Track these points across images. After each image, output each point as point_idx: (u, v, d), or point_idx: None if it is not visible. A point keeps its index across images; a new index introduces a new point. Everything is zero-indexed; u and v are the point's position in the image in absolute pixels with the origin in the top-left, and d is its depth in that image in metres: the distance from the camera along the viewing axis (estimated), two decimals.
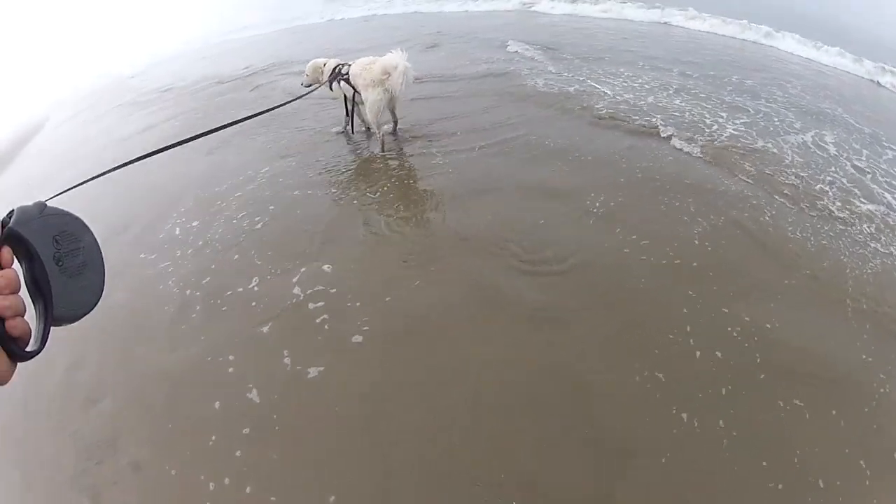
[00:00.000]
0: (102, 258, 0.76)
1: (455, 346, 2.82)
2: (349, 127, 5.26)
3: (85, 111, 7.58)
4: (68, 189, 0.88)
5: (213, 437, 2.53)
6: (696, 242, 3.57)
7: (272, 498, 2.26)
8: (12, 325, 0.65)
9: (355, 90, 4.79)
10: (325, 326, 3.00)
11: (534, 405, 2.51)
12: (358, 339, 2.89)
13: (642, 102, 5.72)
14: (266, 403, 2.64)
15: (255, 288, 3.31)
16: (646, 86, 6.23)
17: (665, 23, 10.09)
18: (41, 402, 2.86)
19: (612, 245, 3.50)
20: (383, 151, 4.84)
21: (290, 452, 2.42)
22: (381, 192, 4.19)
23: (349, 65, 4.83)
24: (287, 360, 2.83)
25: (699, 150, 4.77)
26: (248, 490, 2.29)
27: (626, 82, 6.31)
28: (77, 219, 0.75)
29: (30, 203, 0.73)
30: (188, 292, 3.37)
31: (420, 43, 8.37)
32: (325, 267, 3.40)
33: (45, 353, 0.69)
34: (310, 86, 4.88)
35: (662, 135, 4.98)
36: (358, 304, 3.09)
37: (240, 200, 4.24)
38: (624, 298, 3.09)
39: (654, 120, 5.26)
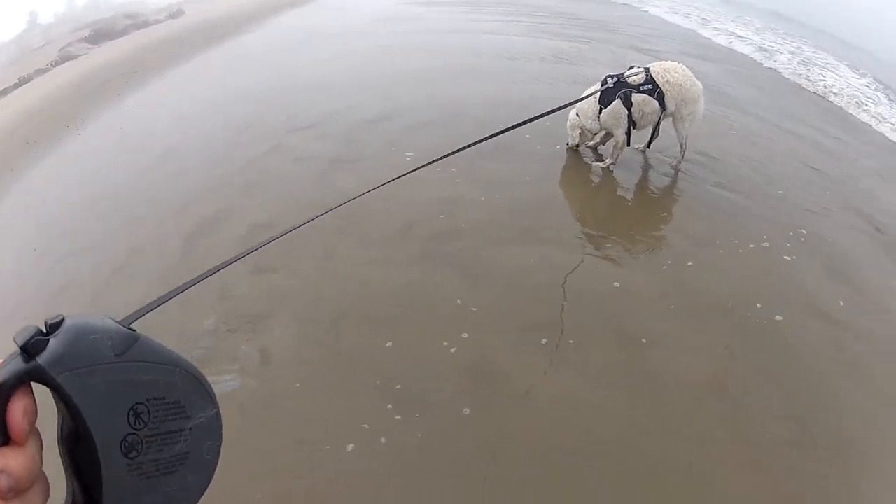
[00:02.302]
0: (218, 452, 0.46)
1: None
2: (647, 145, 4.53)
3: None
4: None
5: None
6: None
7: None
8: None
9: (664, 107, 4.05)
10: None
11: None
12: None
13: None
14: None
15: None
16: None
17: None
18: None
19: None
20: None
21: None
22: None
23: (642, 71, 4.04)
24: None
25: None
26: None
27: None
28: (195, 379, 0.44)
29: (101, 317, 0.40)
30: None
31: None
32: None
33: None
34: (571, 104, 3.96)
35: None
36: None
37: None
38: None
39: None
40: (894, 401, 2.70)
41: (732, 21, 11.15)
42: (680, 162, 4.43)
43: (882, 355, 2.97)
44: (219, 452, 0.45)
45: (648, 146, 4.55)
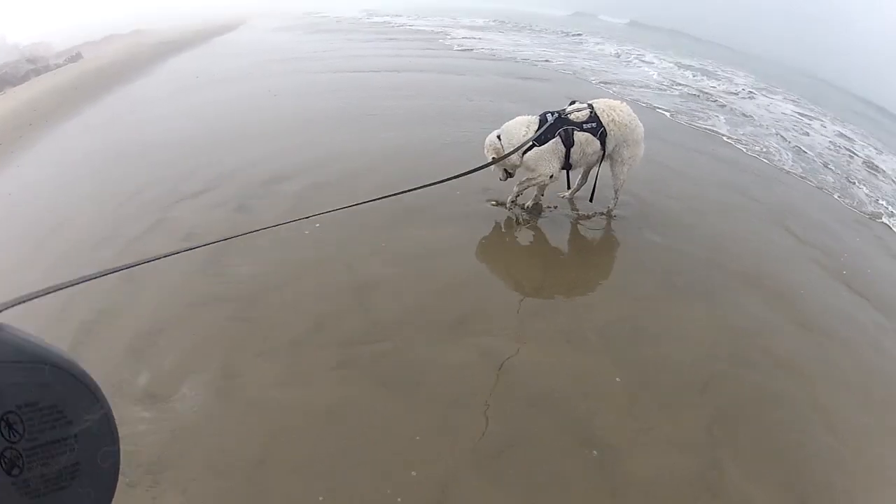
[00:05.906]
0: (117, 459, 0.38)
1: None
2: (573, 193, 4.22)
3: None
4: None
5: None
6: None
7: None
8: None
9: (604, 148, 3.68)
10: None
11: None
12: None
13: None
14: None
15: None
16: None
17: None
18: None
19: None
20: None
21: None
22: None
23: (586, 107, 3.66)
24: None
25: None
26: None
27: None
28: (71, 376, 0.36)
29: None
30: None
31: None
32: None
33: None
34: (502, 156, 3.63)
35: None
36: None
37: None
38: None
39: None
40: None
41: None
42: (612, 209, 4.12)
43: (866, 406, 2.84)
44: (118, 459, 0.39)
45: (591, 199, 4.10)
